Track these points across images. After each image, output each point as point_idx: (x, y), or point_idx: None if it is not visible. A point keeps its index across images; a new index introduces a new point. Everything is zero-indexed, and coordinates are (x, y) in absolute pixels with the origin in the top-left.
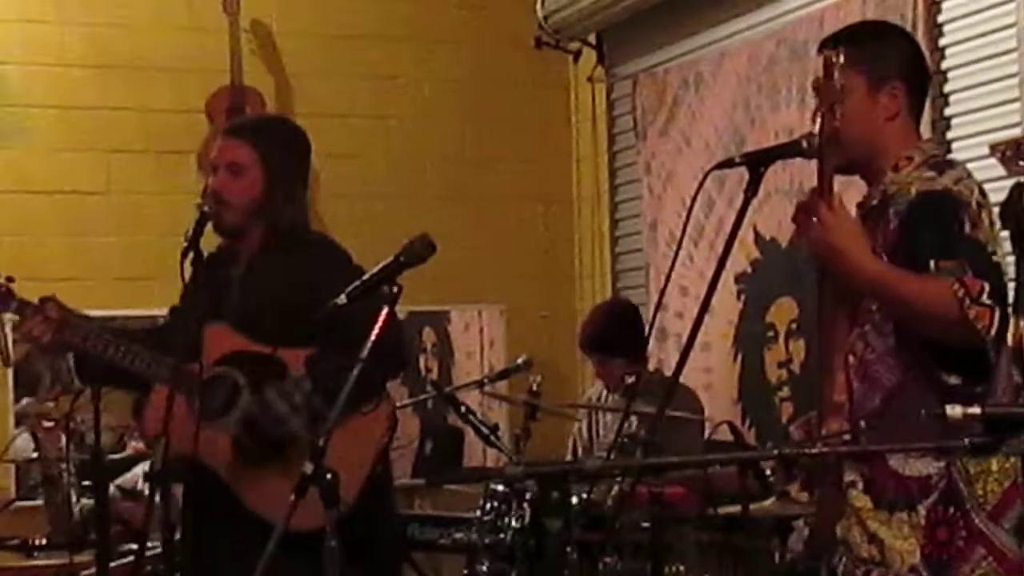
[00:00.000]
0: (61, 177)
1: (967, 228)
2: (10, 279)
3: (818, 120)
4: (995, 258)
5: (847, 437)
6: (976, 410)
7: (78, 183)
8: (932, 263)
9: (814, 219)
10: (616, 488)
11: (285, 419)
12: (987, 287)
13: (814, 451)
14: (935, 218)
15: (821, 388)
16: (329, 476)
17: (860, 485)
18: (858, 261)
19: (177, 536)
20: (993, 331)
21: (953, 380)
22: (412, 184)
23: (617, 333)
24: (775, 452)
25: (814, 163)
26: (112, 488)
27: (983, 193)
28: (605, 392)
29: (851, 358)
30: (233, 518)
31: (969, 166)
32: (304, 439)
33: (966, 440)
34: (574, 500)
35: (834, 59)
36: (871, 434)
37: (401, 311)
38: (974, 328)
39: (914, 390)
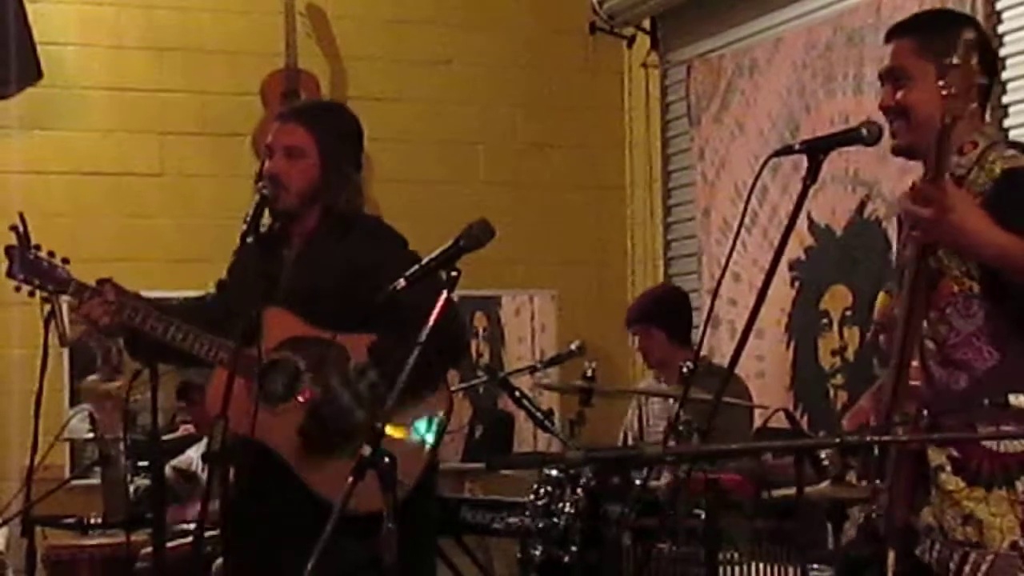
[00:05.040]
0: (116, 159)
1: None
2: (65, 260)
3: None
4: None
5: (922, 423)
6: None
7: (133, 165)
8: None
9: (931, 204)
10: (670, 473)
11: (350, 410)
12: None
13: (874, 439)
14: None
15: (897, 374)
16: (387, 459)
17: (949, 467)
18: (985, 236)
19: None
20: None
21: None
22: (464, 169)
23: (659, 307)
24: (836, 440)
25: (870, 150)
26: (167, 469)
27: None
28: (654, 382)
29: (929, 344)
30: (292, 499)
31: None
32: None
33: None
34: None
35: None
36: (953, 417)
37: (453, 295)
38: None
39: (1008, 370)
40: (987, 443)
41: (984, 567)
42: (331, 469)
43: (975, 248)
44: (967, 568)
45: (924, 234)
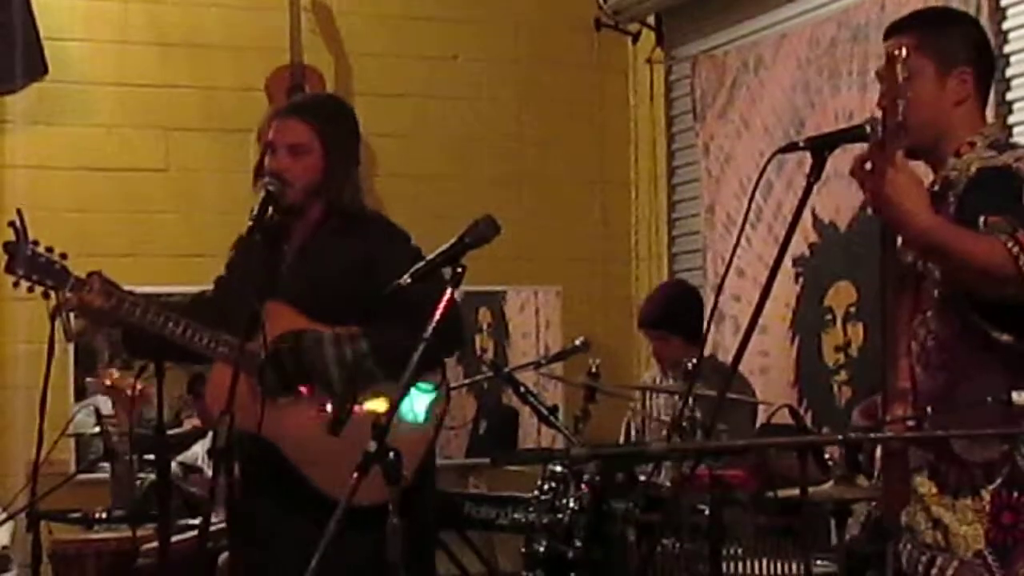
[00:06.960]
0: (121, 154)
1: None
2: (64, 256)
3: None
4: None
5: (911, 423)
6: None
7: (138, 160)
8: (981, 219)
9: (872, 170)
10: (671, 469)
11: (326, 362)
12: None
13: (876, 436)
14: (991, 189)
15: (884, 373)
16: (392, 454)
17: (925, 471)
18: (912, 213)
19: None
20: None
21: (1005, 338)
22: (469, 165)
23: (679, 311)
24: (839, 437)
25: None
26: (173, 464)
27: None
28: (660, 376)
29: (913, 344)
30: (294, 494)
31: None
32: (339, 393)
33: None
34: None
35: (897, 52)
36: (935, 419)
37: (458, 291)
38: None
39: (978, 376)
40: (957, 451)
41: (949, 572)
42: (333, 463)
43: (904, 223)
44: (933, 571)
45: (869, 197)
